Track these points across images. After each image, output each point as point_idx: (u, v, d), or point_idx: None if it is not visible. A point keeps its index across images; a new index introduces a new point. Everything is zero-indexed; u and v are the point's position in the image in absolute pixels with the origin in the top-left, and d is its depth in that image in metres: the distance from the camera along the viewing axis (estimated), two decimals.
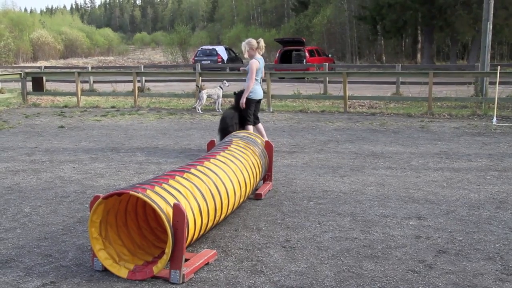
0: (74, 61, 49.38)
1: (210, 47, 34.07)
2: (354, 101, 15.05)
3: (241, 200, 5.13)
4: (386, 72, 20.02)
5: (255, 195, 5.88)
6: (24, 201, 5.91)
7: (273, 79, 15.89)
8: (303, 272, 3.90)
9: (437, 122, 11.76)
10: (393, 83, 16.91)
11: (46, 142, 9.78)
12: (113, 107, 15.45)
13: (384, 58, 41.16)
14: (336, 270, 3.94)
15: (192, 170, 4.46)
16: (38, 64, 40.40)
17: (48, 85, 19.33)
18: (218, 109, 14.32)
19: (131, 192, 3.74)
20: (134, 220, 4.34)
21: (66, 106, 15.83)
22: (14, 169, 7.54)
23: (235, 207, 4.96)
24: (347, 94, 14.01)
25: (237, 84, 17.28)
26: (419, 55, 39.16)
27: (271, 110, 13.85)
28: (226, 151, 5.30)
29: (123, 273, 3.83)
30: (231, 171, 4.87)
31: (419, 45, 39.44)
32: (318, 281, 3.75)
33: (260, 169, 5.76)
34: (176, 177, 4.23)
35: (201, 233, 4.21)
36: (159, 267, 3.75)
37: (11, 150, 9.00)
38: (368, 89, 17.90)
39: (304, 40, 29.11)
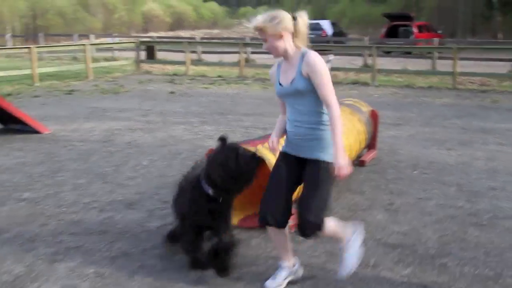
0: (181, 33, 51.04)
1: (314, 22, 33.76)
2: (464, 77, 14.40)
3: None
4: (503, 48, 18.79)
5: (359, 162, 5.96)
6: (142, 155, 6.43)
7: (379, 54, 15.63)
8: (405, 233, 3.97)
9: None
10: (509, 60, 15.94)
11: (158, 106, 10.41)
12: (219, 76, 15.98)
13: (500, 36, 38.50)
14: (439, 234, 3.97)
15: None
16: (149, 35, 42.25)
17: (159, 54, 20.29)
18: None
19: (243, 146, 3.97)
20: None
21: (175, 74, 16.60)
22: (132, 128, 8.16)
23: None
24: (457, 70, 13.48)
25: (341, 59, 17.17)
26: None
27: (376, 84, 13.66)
28: None
29: (234, 220, 4.11)
30: None
31: None
32: (421, 242, 3.81)
33: (365, 136, 5.83)
34: None
35: None
36: None
37: (128, 111, 9.70)
38: (479, 66, 17.01)
39: (412, 15, 28.08)
